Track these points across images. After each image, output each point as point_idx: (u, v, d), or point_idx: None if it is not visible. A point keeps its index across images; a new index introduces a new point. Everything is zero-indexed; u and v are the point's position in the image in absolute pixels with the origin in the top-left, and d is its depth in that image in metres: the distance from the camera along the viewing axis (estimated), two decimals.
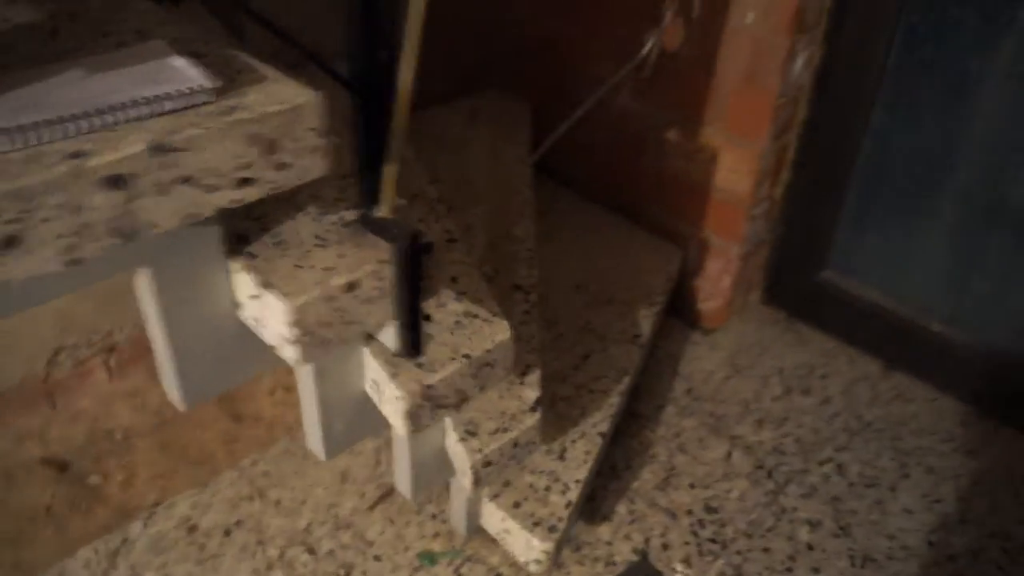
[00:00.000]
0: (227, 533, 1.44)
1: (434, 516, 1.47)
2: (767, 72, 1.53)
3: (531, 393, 1.25)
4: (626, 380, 1.50)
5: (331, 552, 1.41)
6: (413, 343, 1.04)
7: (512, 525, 1.28)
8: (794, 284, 1.80)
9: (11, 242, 0.68)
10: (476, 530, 1.43)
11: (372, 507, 1.48)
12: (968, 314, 1.60)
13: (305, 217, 1.03)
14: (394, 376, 1.05)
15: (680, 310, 1.81)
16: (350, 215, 1.02)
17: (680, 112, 1.68)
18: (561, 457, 1.38)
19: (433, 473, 1.28)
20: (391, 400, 1.06)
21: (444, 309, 1.15)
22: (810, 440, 1.59)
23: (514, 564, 1.39)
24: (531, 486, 1.33)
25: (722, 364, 1.74)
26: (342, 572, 1.38)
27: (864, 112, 1.56)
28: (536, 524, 1.27)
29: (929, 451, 1.56)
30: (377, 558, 1.41)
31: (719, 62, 1.58)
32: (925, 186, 1.56)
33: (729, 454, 1.57)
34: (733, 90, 1.58)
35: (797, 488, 1.50)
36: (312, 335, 0.94)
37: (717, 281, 1.76)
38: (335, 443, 1.15)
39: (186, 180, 0.77)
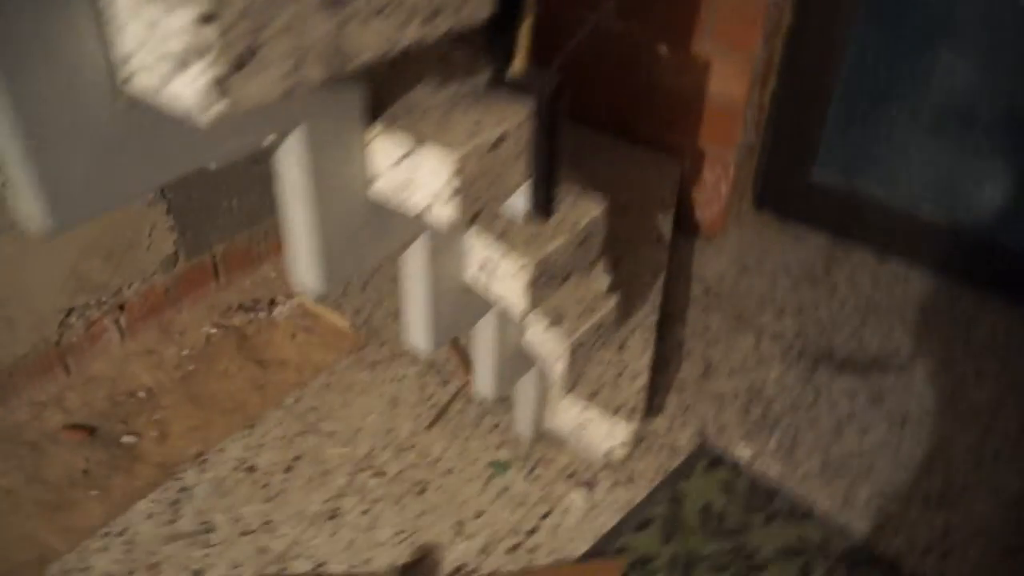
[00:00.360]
0: (288, 469, 1.40)
1: (494, 427, 1.46)
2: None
3: (604, 278, 1.26)
4: (661, 275, 1.54)
5: (400, 473, 1.39)
6: (548, 200, 1.03)
7: (592, 414, 1.29)
8: (785, 187, 1.87)
9: (241, 62, 0.64)
10: (540, 435, 1.44)
11: (430, 426, 1.47)
12: (953, 199, 1.71)
13: (436, 82, 0.99)
14: (509, 251, 1.04)
15: (680, 220, 1.85)
16: (482, 78, 1.00)
17: (668, 28, 1.73)
18: (622, 348, 1.40)
19: (513, 369, 1.28)
20: (507, 276, 1.06)
21: None
22: (828, 324, 1.66)
23: (583, 461, 1.40)
24: (600, 377, 1.34)
25: (730, 265, 1.80)
26: (417, 489, 1.36)
27: (848, 12, 1.64)
28: (616, 410, 1.29)
29: (934, 324, 1.66)
30: (448, 471, 1.39)
31: None
32: (907, 82, 1.66)
33: (758, 343, 1.62)
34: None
35: (828, 366, 1.57)
36: (468, 190, 0.92)
37: (714, 189, 1.81)
38: (441, 334, 1.13)
39: (381, 10, 0.74)
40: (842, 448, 1.43)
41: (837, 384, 1.54)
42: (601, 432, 1.30)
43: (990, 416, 1.48)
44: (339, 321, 1.67)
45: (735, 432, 1.46)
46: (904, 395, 1.52)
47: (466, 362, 1.55)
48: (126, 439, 1.47)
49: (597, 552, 1.28)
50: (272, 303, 1.73)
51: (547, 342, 1.19)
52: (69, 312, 1.51)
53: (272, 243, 1.80)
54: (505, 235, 1.06)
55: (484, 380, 1.26)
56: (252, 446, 1.43)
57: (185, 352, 1.64)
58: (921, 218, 1.75)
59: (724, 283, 1.75)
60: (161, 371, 1.60)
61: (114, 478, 1.40)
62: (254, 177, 1.70)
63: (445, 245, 1.06)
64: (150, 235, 1.58)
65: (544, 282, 1.08)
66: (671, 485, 1.38)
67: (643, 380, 1.34)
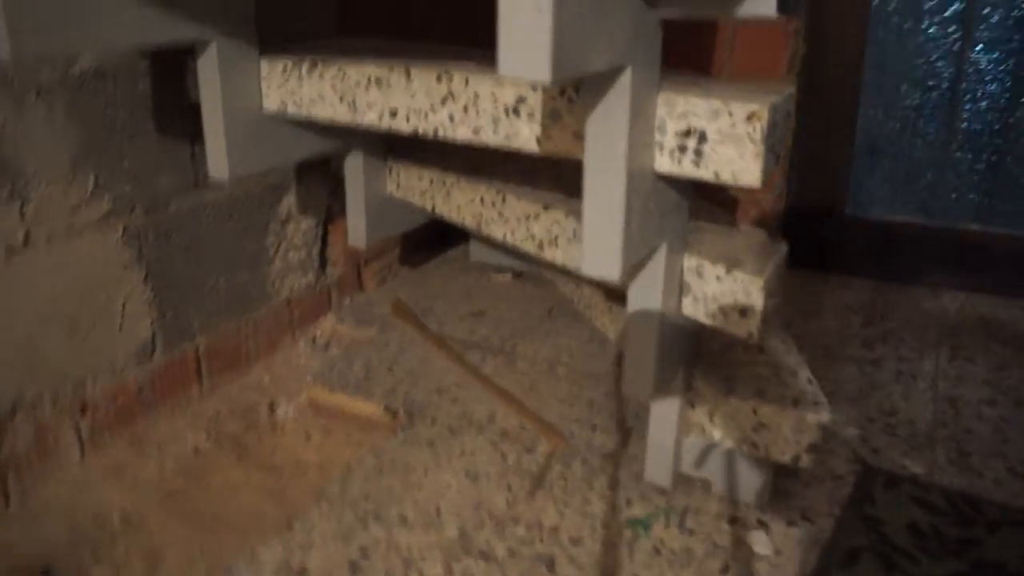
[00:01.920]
0: (355, 566, 0.96)
1: (612, 485, 1.09)
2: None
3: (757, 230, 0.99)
4: None
5: (513, 551, 0.99)
6: None
7: (767, 412, 0.97)
8: (816, 228, 1.68)
9: None
10: (677, 482, 1.08)
11: (532, 493, 1.08)
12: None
13: None
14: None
15: None
16: None
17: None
18: (762, 349, 1.10)
19: (669, 364, 0.95)
20: None
21: None
22: (918, 347, 1.42)
23: (740, 504, 1.05)
24: (755, 376, 1.03)
25: (793, 311, 1.55)
26: (543, 566, 0.96)
27: (859, 26, 1.55)
28: (795, 402, 0.97)
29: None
30: (575, 540, 1.00)
31: None
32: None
33: (860, 370, 1.36)
34: (739, 29, 1.51)
35: (946, 383, 1.32)
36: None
37: None
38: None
39: None
40: (1017, 450, 1.15)
41: (967, 395, 1.28)
42: (782, 435, 0.97)
43: None
44: (367, 408, 1.28)
45: (893, 452, 1.15)
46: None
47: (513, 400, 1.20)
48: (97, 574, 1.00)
49: None
50: (272, 407, 1.32)
51: (731, 290, 0.89)
52: (14, 409, 1.07)
53: (264, 339, 1.41)
54: None
55: (640, 378, 0.92)
56: (297, 546, 1.00)
57: (169, 467, 1.19)
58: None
59: (793, 327, 1.50)
60: (138, 490, 1.14)
61: None
62: (244, 252, 1.35)
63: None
64: (123, 308, 1.18)
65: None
66: (856, 512, 1.04)
67: (806, 374, 1.03)
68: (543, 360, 1.39)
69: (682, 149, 0.77)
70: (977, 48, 1.51)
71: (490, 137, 0.90)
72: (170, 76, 1.18)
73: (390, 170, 1.34)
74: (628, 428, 1.21)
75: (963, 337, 1.46)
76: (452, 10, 1.69)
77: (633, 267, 0.86)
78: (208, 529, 1.10)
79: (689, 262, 0.91)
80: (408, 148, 1.36)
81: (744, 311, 0.88)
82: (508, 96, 0.87)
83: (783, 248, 0.96)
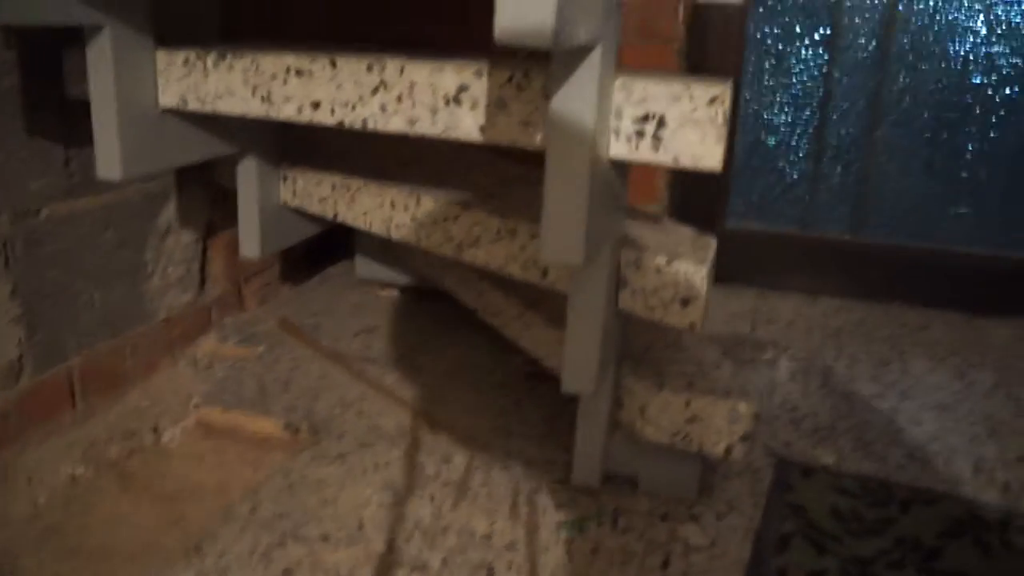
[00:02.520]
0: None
1: (537, 489, 1.08)
2: (662, 21, 1.54)
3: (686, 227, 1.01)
4: None
5: (446, 560, 0.95)
6: None
7: (701, 405, 0.98)
8: None
9: None
10: (605, 482, 1.08)
11: (456, 503, 1.05)
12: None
13: None
14: None
15: None
16: None
17: None
18: (680, 348, 1.12)
19: (607, 356, 0.95)
20: None
21: None
22: (807, 347, 1.50)
23: (668, 500, 1.06)
24: (682, 371, 1.05)
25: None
26: (483, 573, 0.93)
27: (736, 52, 1.64)
28: (726, 393, 1.00)
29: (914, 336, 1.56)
30: (510, 546, 0.98)
31: None
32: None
33: (757, 370, 1.41)
34: (627, 44, 1.56)
35: (838, 379, 1.40)
36: None
37: None
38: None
39: None
40: (912, 437, 1.23)
41: (861, 391, 1.36)
42: (715, 427, 0.98)
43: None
44: (266, 426, 1.21)
45: (802, 444, 1.20)
46: (921, 388, 1.37)
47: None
48: None
49: None
50: (156, 430, 1.23)
51: (673, 281, 0.90)
52: None
53: (142, 360, 1.31)
54: None
55: (580, 372, 0.92)
56: (209, 571, 0.92)
57: (42, 500, 1.08)
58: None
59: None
60: (8, 529, 1.03)
61: None
62: (121, 265, 1.25)
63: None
64: None
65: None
66: (779, 501, 1.07)
67: (728, 368, 1.06)
68: (445, 371, 1.36)
69: (640, 135, 0.78)
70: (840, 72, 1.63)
71: (427, 128, 0.87)
72: (43, 70, 1.09)
73: (285, 178, 1.28)
74: (544, 435, 1.20)
75: (844, 338, 1.55)
76: (336, 16, 1.65)
77: (591, 255, 0.86)
78: (100, 560, 0.99)
79: (627, 255, 0.92)
80: (305, 155, 1.31)
81: (686, 301, 0.90)
82: (449, 84, 0.85)
83: (713, 241, 0.99)
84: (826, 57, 1.64)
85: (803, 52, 1.65)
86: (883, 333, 1.57)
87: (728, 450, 0.99)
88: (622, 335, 1.04)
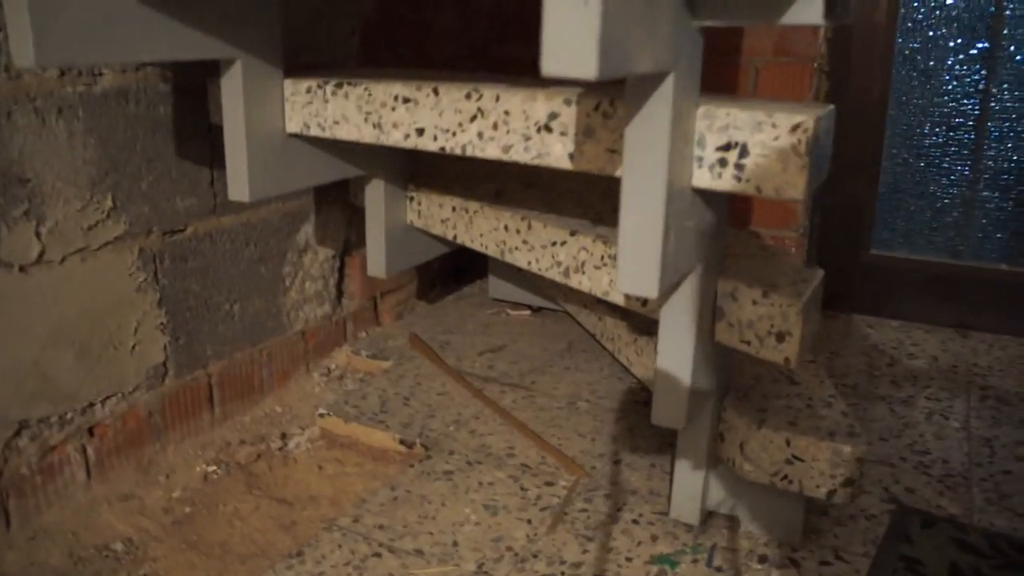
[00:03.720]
0: None
1: (635, 520, 1.05)
2: (800, 38, 1.47)
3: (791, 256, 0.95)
4: None
5: None
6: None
7: (801, 444, 0.92)
8: (843, 268, 1.65)
9: None
10: (704, 520, 1.04)
11: (552, 528, 1.03)
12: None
13: None
14: None
15: None
16: None
17: None
18: (793, 382, 1.06)
19: (699, 394, 0.91)
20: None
21: None
22: (946, 388, 1.38)
23: (769, 541, 1.00)
24: (787, 407, 0.99)
25: (819, 351, 1.51)
26: None
27: (883, 69, 1.54)
28: (830, 434, 0.93)
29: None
30: None
31: (745, 37, 1.51)
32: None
33: (892, 409, 1.31)
34: (763, 64, 1.50)
35: (979, 422, 1.27)
36: None
37: None
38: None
39: None
40: None
41: (1004, 435, 1.24)
42: (817, 468, 0.92)
43: None
44: (382, 439, 1.24)
45: (928, 491, 1.11)
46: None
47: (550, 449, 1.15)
48: None
49: None
50: (284, 437, 1.29)
51: (768, 314, 0.85)
52: (20, 428, 1.03)
53: (277, 369, 1.38)
54: None
55: (670, 405, 0.89)
56: (305, 574, 0.95)
57: (176, 494, 1.15)
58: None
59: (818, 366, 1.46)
60: (144, 517, 1.10)
61: None
62: (260, 279, 1.32)
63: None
64: (136, 331, 1.15)
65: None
66: (892, 552, 0.99)
67: (840, 406, 0.99)
68: (563, 395, 1.35)
69: (722, 163, 0.74)
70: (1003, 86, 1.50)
71: (520, 155, 0.87)
72: (191, 99, 1.17)
73: (411, 199, 1.32)
74: (653, 464, 1.16)
75: (993, 378, 1.42)
76: (471, 42, 1.69)
77: (669, 287, 0.83)
78: (215, 558, 1.05)
79: (724, 286, 0.88)
80: (430, 177, 1.34)
81: (781, 336, 0.85)
82: (540, 112, 0.85)
83: (819, 273, 0.93)
84: (983, 72, 1.51)
85: (957, 68, 1.52)
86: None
87: (831, 494, 0.92)
88: (725, 368, 0.99)
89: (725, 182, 0.74)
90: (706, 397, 0.94)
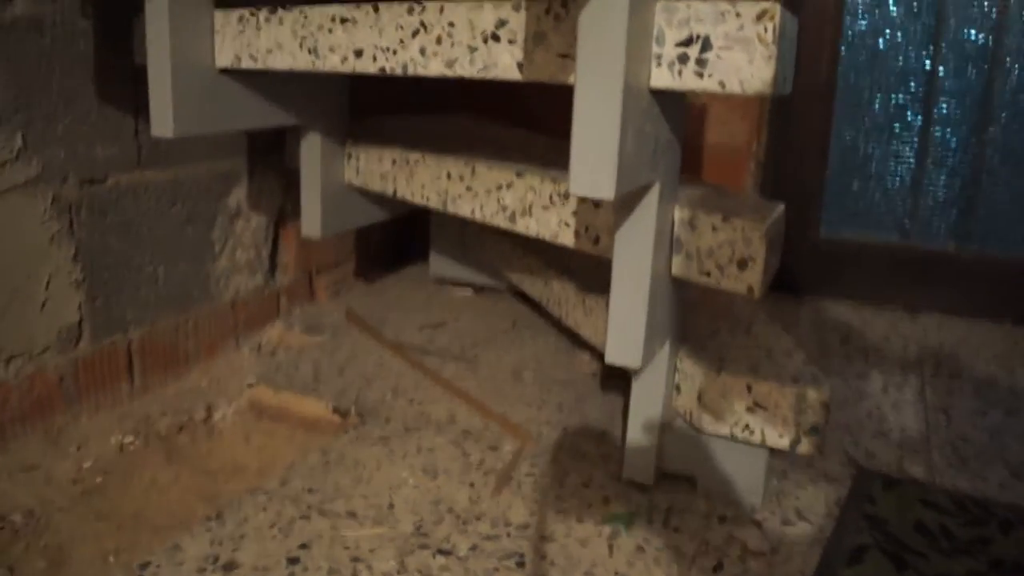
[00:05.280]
0: (294, 561, 0.81)
1: (586, 484, 0.96)
2: None
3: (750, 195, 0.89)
4: None
5: (476, 547, 0.84)
6: None
7: (765, 388, 0.85)
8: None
9: None
10: (660, 479, 0.95)
11: (497, 491, 0.94)
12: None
13: None
14: None
15: None
16: None
17: None
18: (748, 332, 0.99)
19: (657, 330, 0.83)
20: None
21: None
22: (902, 361, 1.33)
23: (728, 501, 0.92)
24: (748, 356, 0.92)
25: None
26: (512, 563, 0.82)
27: (831, 46, 1.50)
28: (794, 379, 0.86)
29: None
30: (547, 538, 0.86)
31: None
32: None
33: (847, 382, 1.25)
34: None
35: (934, 394, 1.22)
36: None
37: None
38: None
39: None
40: (1016, 455, 1.05)
41: (959, 405, 1.18)
42: (780, 415, 0.85)
43: None
44: (314, 408, 1.14)
45: (889, 456, 1.04)
46: None
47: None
48: None
49: None
50: (209, 409, 1.17)
51: (729, 240, 0.78)
52: None
53: (204, 340, 1.27)
54: None
55: (626, 341, 0.81)
56: (225, 538, 0.84)
57: (87, 465, 1.03)
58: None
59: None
60: (49, 488, 0.98)
61: None
62: (188, 242, 1.22)
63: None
64: (48, 286, 1.03)
65: None
66: (856, 512, 0.92)
67: (801, 356, 0.93)
68: (508, 367, 1.26)
69: (683, 59, 0.67)
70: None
71: (466, 68, 0.79)
72: (115, 36, 1.07)
73: (349, 156, 1.23)
74: (603, 432, 1.08)
75: (944, 354, 1.37)
76: None
77: (622, 206, 0.76)
78: (127, 528, 0.93)
79: (681, 213, 0.81)
80: (368, 134, 1.25)
81: (743, 263, 0.78)
82: (487, 21, 0.77)
83: (780, 205, 0.87)
84: (929, 51, 1.48)
85: (904, 45, 1.50)
86: (990, 352, 1.38)
87: (795, 443, 0.85)
88: (680, 311, 0.92)
89: (687, 80, 0.67)
90: (662, 337, 0.87)
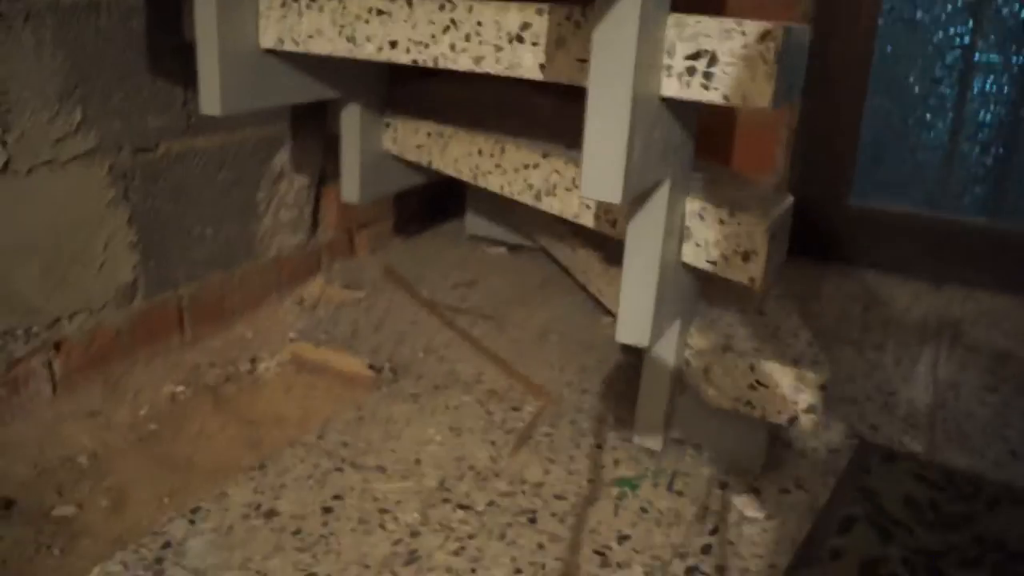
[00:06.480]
0: (328, 510, 0.92)
1: (598, 446, 1.05)
2: None
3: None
4: None
5: (492, 503, 0.94)
6: None
7: (767, 370, 0.92)
8: (822, 218, 1.64)
9: None
10: (669, 445, 1.04)
11: (516, 450, 1.03)
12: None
13: None
14: None
15: None
16: None
17: None
18: (762, 312, 1.06)
19: (666, 310, 0.91)
20: None
21: None
22: (918, 336, 1.38)
23: (732, 468, 1.01)
24: (755, 334, 0.99)
25: (792, 297, 1.51)
26: (524, 519, 0.92)
27: (869, 17, 1.52)
28: (795, 360, 0.93)
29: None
30: (559, 496, 0.95)
31: None
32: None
33: (860, 352, 1.31)
34: (743, 8, 1.48)
35: (947, 368, 1.28)
36: None
37: None
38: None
39: None
40: (1018, 433, 1.11)
41: (970, 380, 1.24)
42: (779, 394, 0.92)
43: None
44: (352, 363, 1.24)
45: (892, 428, 1.11)
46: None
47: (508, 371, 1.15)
48: (61, 510, 0.95)
49: (802, 562, 0.86)
50: (253, 361, 1.28)
51: (734, 233, 0.85)
52: None
53: (249, 295, 1.37)
54: None
55: (635, 322, 0.88)
56: (267, 488, 0.95)
57: (143, 412, 1.15)
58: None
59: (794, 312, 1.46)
60: (110, 432, 1.10)
61: (40, 562, 0.88)
62: (234, 204, 1.31)
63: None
64: (106, 248, 1.14)
65: None
66: (852, 483, 0.99)
67: (806, 336, 0.99)
68: (535, 327, 1.35)
69: (691, 72, 0.73)
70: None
71: (492, 66, 0.86)
72: (165, 14, 1.15)
73: (387, 125, 1.30)
74: (621, 395, 1.16)
75: (964, 328, 1.42)
76: None
77: (635, 198, 0.82)
78: (179, 472, 1.05)
79: (692, 205, 0.88)
80: (408, 103, 1.32)
81: (747, 256, 0.84)
82: (512, 22, 0.83)
83: (788, 199, 0.92)
84: (969, 25, 1.49)
85: (942, 17, 1.51)
86: (1009, 326, 1.43)
87: (793, 420, 0.92)
88: (692, 292, 0.99)
89: (693, 91, 0.73)
90: (671, 318, 0.94)
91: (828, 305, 1.49)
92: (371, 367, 1.22)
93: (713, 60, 0.71)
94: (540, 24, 0.81)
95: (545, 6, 0.81)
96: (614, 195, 0.71)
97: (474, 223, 1.65)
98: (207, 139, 1.24)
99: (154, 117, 1.16)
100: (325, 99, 1.22)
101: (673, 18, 0.73)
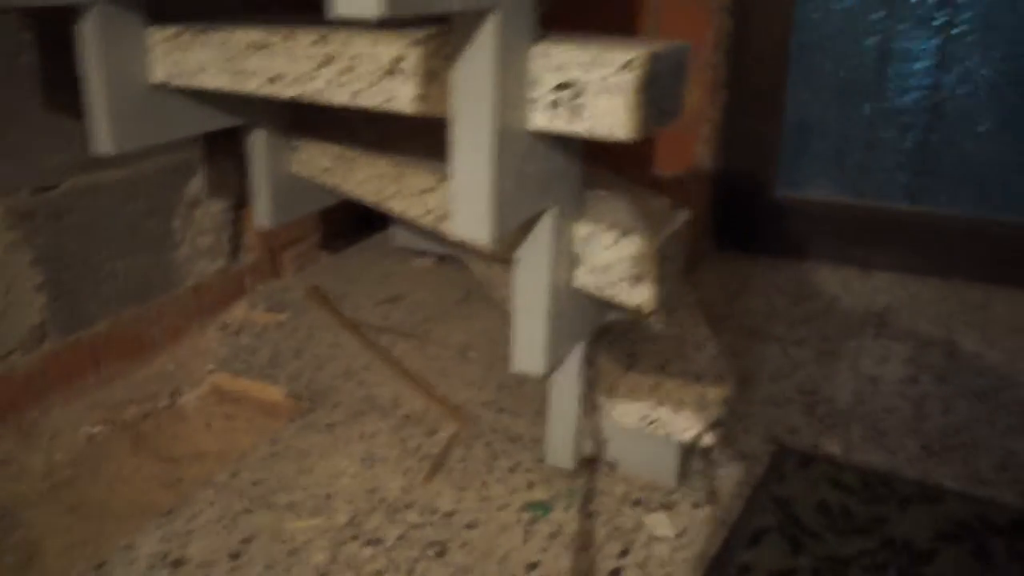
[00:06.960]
0: (235, 556, 0.91)
1: (513, 468, 1.05)
2: None
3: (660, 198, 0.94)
4: None
5: (403, 536, 0.93)
6: None
7: (670, 387, 0.92)
8: (748, 209, 1.65)
9: None
10: (581, 465, 1.04)
11: (429, 478, 1.03)
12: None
13: None
14: None
15: None
16: None
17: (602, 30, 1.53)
18: (671, 315, 1.06)
19: (564, 336, 0.90)
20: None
21: None
22: (844, 326, 1.39)
23: (646, 486, 1.01)
24: (660, 351, 0.99)
25: (720, 292, 1.51)
26: (433, 551, 0.91)
27: (787, 14, 1.52)
28: (698, 377, 0.93)
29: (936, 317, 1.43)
30: (469, 525, 0.95)
31: None
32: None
33: (784, 350, 1.32)
34: (663, 4, 1.47)
35: (869, 361, 1.28)
36: None
37: None
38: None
39: None
40: (934, 427, 1.12)
41: (891, 372, 1.25)
42: (683, 412, 0.92)
43: None
44: (271, 393, 1.23)
45: (810, 431, 1.12)
46: (963, 373, 1.24)
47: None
48: None
49: None
50: (174, 395, 1.26)
51: (621, 258, 0.84)
52: None
53: (169, 326, 1.35)
54: None
55: (529, 351, 0.88)
56: (175, 535, 0.94)
57: (58, 457, 1.13)
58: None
59: (721, 306, 1.46)
60: (21, 482, 1.08)
61: None
62: (148, 235, 1.29)
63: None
64: (8, 293, 1.11)
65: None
66: (765, 492, 1.00)
67: (711, 348, 0.99)
68: (455, 344, 1.34)
69: (555, 104, 0.72)
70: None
71: (369, 100, 0.84)
72: (58, 48, 1.12)
73: (294, 147, 1.28)
74: (538, 412, 1.16)
75: (889, 315, 1.43)
76: None
77: (514, 233, 0.82)
78: (93, 519, 1.03)
79: (581, 230, 0.87)
80: (313, 124, 1.30)
81: (637, 279, 0.84)
82: (384, 56, 0.82)
83: (682, 215, 0.92)
84: (883, 12, 1.49)
85: (858, 3, 1.51)
86: (935, 311, 1.44)
87: (697, 437, 0.92)
88: (594, 312, 0.99)
89: (560, 124, 0.72)
90: (571, 342, 0.94)
91: (755, 299, 1.49)
92: (290, 395, 1.21)
93: (580, 91, 0.71)
94: (414, 57, 0.80)
95: (420, 38, 0.80)
96: (483, 235, 0.71)
97: (400, 235, 1.64)
98: (114, 172, 1.22)
99: (52, 155, 1.14)
100: (228, 127, 1.20)
101: (540, 48, 0.72)
